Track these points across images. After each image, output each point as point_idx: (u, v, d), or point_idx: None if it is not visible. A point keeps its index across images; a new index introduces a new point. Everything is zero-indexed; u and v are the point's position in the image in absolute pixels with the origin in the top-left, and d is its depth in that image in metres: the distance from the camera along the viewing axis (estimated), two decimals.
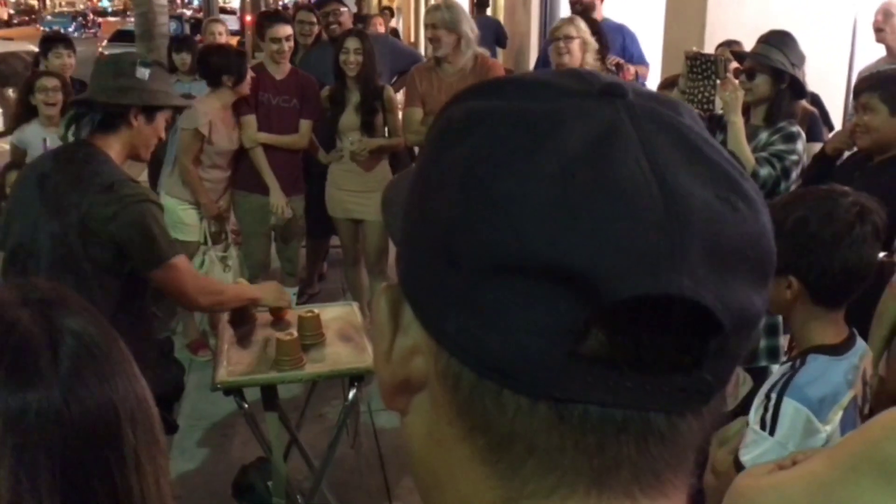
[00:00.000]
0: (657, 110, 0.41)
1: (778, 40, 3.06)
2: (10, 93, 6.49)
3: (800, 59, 3.04)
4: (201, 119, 4.12)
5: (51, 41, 5.24)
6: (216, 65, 4.19)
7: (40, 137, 4.32)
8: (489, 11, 12.08)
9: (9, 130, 4.45)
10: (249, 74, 4.27)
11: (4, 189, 4.01)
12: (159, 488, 0.71)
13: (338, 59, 4.22)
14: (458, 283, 0.39)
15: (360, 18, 6.94)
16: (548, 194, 0.37)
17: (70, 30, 33.01)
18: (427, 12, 4.16)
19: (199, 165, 4.24)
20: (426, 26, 4.09)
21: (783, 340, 2.76)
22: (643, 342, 0.38)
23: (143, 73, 2.41)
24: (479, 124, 0.41)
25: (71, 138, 2.48)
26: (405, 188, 0.46)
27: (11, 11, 51.43)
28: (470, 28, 4.09)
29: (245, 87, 4.23)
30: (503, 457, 0.41)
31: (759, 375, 2.35)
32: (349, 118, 4.28)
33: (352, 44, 4.19)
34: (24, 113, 4.40)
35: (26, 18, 48.96)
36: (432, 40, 4.04)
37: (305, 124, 4.42)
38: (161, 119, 2.48)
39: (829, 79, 4.56)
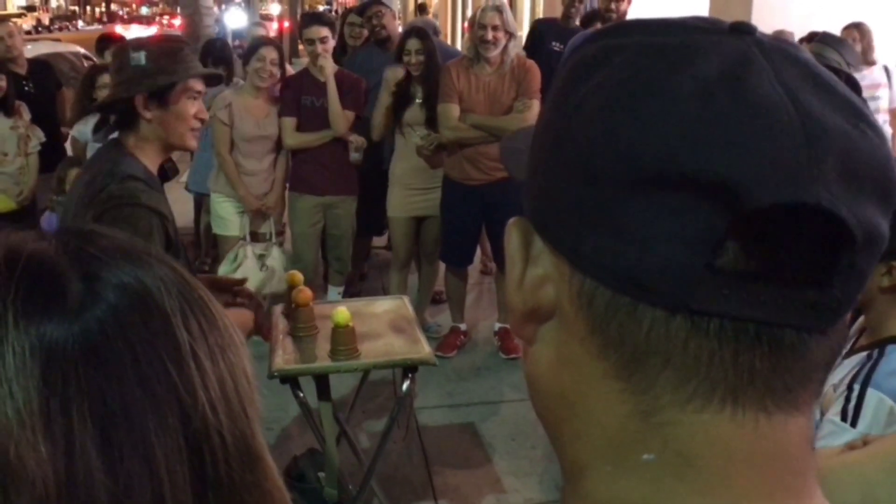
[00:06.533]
0: (783, 46, 0.43)
1: (833, 39, 3.05)
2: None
3: (855, 59, 3.03)
4: (218, 104, 4.28)
5: (107, 40, 5.35)
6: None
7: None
8: (527, 13, 12.12)
9: (70, 124, 4.55)
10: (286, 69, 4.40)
11: (63, 185, 4.10)
12: (235, 385, 0.54)
13: (401, 59, 4.30)
14: (596, 200, 0.40)
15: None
16: (689, 110, 0.38)
17: None
18: (483, 13, 4.06)
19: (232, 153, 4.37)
20: (482, 27, 4.01)
21: None
22: (778, 255, 0.38)
23: (138, 57, 2.14)
24: (616, 55, 0.42)
25: None
26: (528, 132, 0.47)
27: (50, 17, 52.62)
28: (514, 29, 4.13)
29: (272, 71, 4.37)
30: (637, 371, 0.41)
31: None
32: (414, 113, 4.34)
33: (413, 45, 4.25)
34: (86, 107, 4.50)
35: (66, 24, 50.03)
36: (488, 41, 4.01)
37: (346, 114, 4.43)
38: (181, 99, 2.17)
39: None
